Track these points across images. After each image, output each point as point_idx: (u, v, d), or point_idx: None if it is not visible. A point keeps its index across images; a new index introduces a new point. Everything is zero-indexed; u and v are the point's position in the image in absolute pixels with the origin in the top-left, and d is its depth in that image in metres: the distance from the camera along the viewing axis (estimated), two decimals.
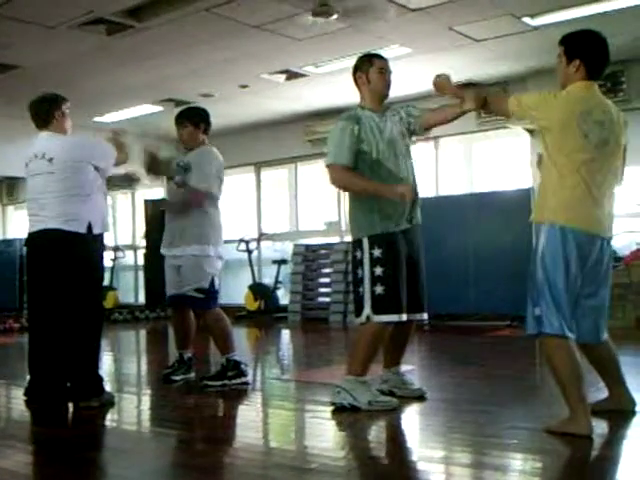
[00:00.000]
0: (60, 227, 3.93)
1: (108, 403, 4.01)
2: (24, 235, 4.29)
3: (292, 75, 8.14)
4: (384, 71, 3.85)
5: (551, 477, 2.70)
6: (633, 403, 3.38)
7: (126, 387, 4.97)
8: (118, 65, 7.56)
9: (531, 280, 3.14)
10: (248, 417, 3.95)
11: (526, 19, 6.47)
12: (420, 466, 2.87)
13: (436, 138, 9.04)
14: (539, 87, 7.23)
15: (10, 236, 13.79)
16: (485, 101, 3.43)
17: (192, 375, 4.79)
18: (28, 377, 4.13)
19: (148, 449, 3.31)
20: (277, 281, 10.28)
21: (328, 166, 3.77)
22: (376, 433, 3.48)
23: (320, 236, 10.41)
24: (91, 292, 4.06)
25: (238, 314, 9.66)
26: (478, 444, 3.07)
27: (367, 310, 3.66)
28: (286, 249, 10.91)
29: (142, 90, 8.56)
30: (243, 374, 4.54)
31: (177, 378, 4.71)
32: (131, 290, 12.47)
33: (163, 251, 4.67)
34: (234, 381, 4.47)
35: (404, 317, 3.70)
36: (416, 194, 3.82)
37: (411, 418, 3.75)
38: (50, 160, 3.97)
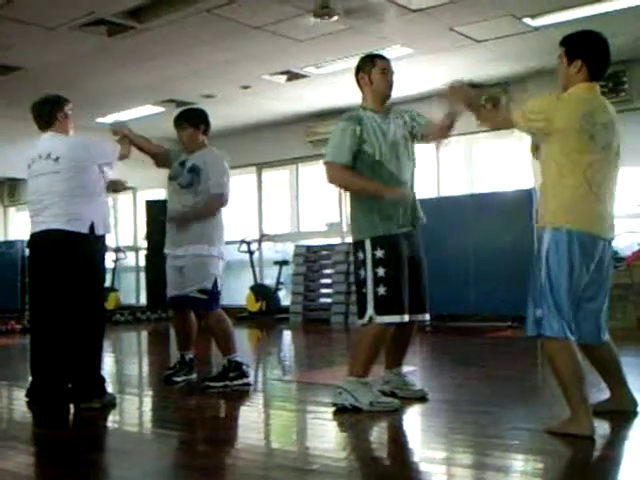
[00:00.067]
0: (63, 227, 3.93)
1: (110, 404, 4.00)
2: (26, 236, 4.29)
3: (293, 76, 8.15)
4: (386, 71, 3.84)
5: (553, 478, 2.70)
6: (635, 404, 3.38)
7: (128, 388, 4.97)
8: (119, 66, 7.57)
9: (533, 281, 3.13)
10: (250, 418, 3.94)
11: (527, 20, 6.48)
12: (422, 467, 2.87)
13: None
14: (539, 88, 7.25)
15: (12, 237, 13.79)
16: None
17: (194, 376, 4.79)
18: (30, 378, 4.13)
19: (150, 450, 3.30)
20: (278, 282, 10.28)
21: (326, 163, 3.76)
22: (378, 434, 3.48)
23: (321, 237, 10.42)
24: (93, 293, 4.06)
25: (239, 315, 9.65)
26: (480, 445, 3.06)
27: (370, 311, 3.66)
28: (287, 250, 10.90)
29: (143, 91, 8.57)
30: (245, 375, 4.53)
31: (178, 379, 4.71)
32: (132, 291, 12.46)
33: (166, 250, 4.65)
34: (236, 382, 4.47)
35: (406, 318, 3.70)
36: (413, 199, 3.83)
37: (413, 419, 3.75)
38: (56, 159, 3.97)
